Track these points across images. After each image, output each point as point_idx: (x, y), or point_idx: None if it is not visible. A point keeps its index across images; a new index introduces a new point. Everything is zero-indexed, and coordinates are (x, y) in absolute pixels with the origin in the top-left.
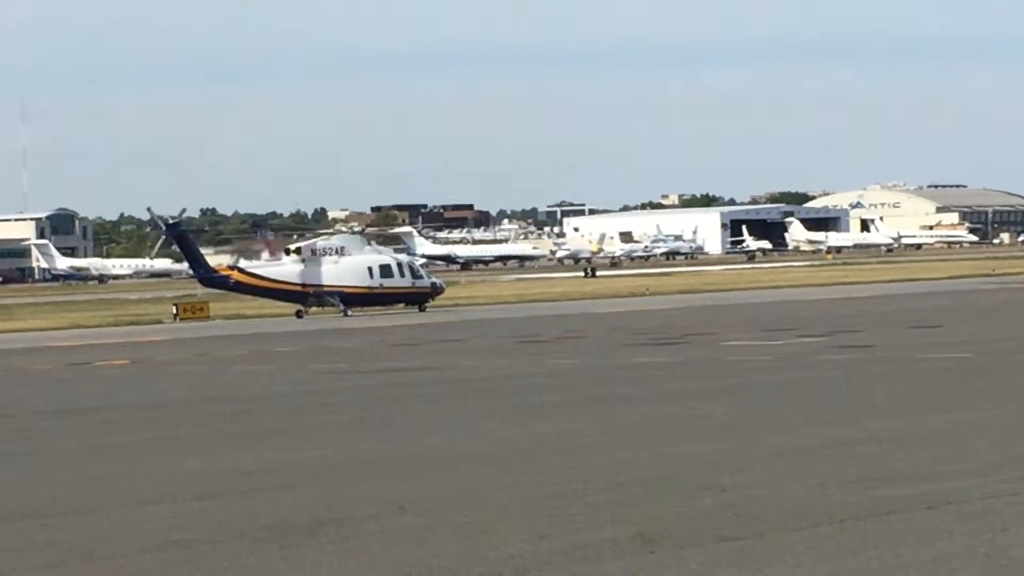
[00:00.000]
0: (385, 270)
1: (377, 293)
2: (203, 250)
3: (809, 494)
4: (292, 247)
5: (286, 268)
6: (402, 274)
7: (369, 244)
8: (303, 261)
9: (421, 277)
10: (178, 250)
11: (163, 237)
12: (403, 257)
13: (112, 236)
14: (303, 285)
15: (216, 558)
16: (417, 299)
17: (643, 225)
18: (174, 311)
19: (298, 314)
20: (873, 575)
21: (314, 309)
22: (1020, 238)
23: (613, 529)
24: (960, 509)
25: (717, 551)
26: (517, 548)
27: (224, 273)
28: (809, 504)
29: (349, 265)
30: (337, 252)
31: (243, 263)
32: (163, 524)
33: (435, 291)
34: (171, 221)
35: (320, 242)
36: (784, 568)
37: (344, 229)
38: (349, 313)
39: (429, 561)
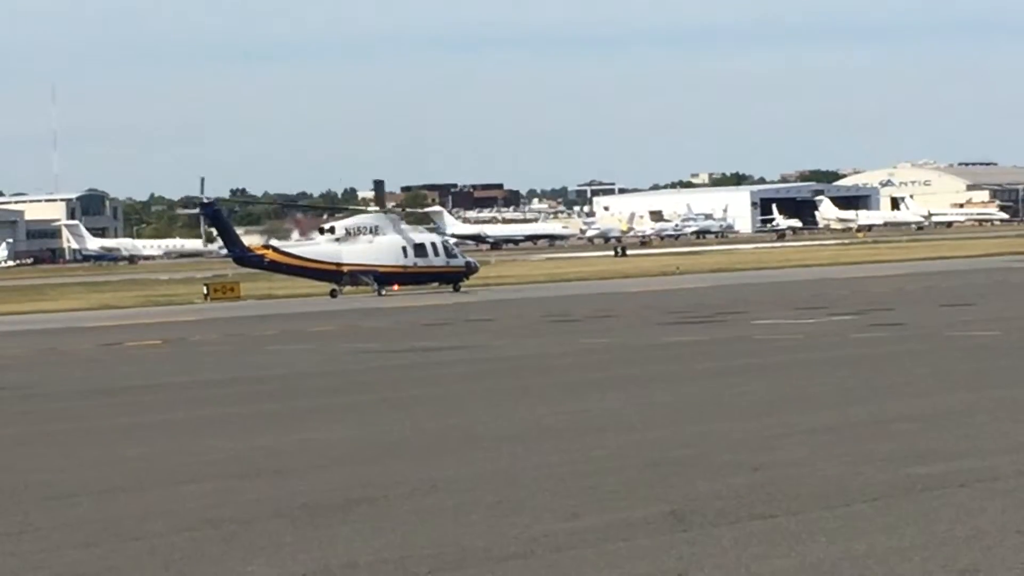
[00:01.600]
0: (419, 249)
1: (411, 272)
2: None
3: (842, 472)
4: (326, 226)
5: (320, 248)
6: (436, 253)
7: (403, 223)
8: (337, 240)
9: (455, 256)
10: (210, 229)
11: (201, 215)
12: (436, 237)
13: (142, 216)
14: (337, 264)
15: (250, 537)
16: (451, 278)
17: (673, 204)
18: (205, 291)
19: (332, 293)
20: (906, 553)
21: (348, 288)
22: None
23: (646, 507)
24: (992, 487)
25: (750, 529)
26: (550, 526)
27: (259, 252)
28: (842, 482)
29: (383, 244)
30: (371, 231)
31: (276, 242)
32: (196, 503)
33: (469, 270)
34: (205, 200)
35: (354, 221)
36: (818, 546)
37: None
38: (383, 292)
39: (462, 540)
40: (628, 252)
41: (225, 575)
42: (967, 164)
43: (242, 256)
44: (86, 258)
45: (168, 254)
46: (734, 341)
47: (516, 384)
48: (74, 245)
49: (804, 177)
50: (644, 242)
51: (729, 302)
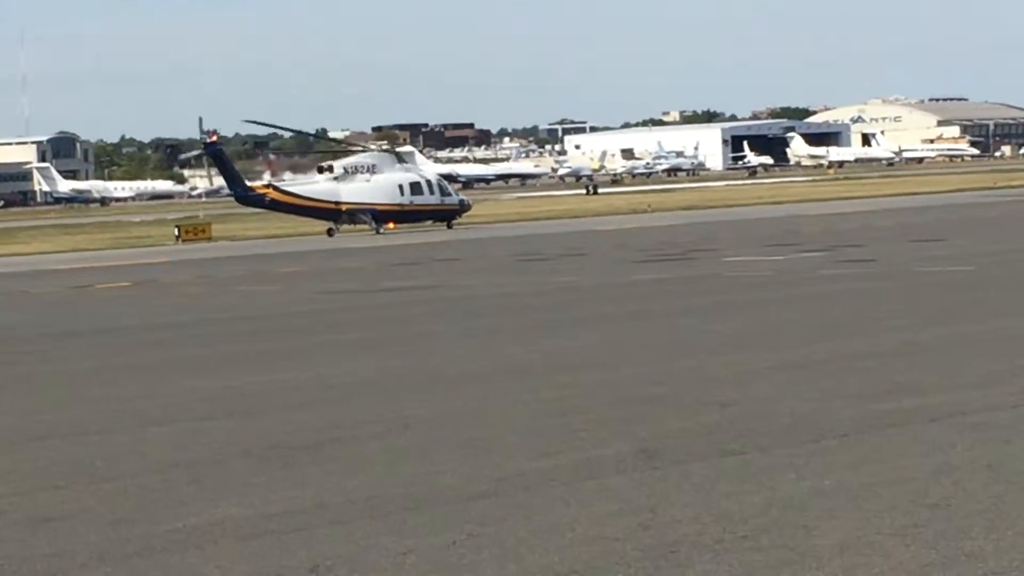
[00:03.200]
0: (415, 187)
1: (408, 210)
2: (204, 171)
3: (811, 408)
4: (324, 165)
5: (320, 186)
6: (431, 191)
7: (400, 162)
8: (336, 179)
9: (449, 194)
10: (180, 171)
11: (204, 155)
12: (431, 174)
13: (113, 159)
14: (336, 203)
15: (220, 478)
16: (446, 216)
17: (644, 142)
18: (176, 233)
19: (329, 232)
20: (876, 488)
21: (345, 227)
22: (1021, 151)
23: (616, 445)
24: (962, 421)
25: (720, 465)
26: (520, 465)
27: (261, 191)
28: (811, 418)
29: (380, 183)
30: (369, 170)
31: (277, 181)
32: (167, 445)
33: (462, 208)
34: (207, 140)
35: (352, 160)
36: (787, 481)
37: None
38: (381, 231)
39: (433, 479)
40: (599, 190)
41: (195, 516)
42: (937, 100)
43: (244, 195)
44: (57, 200)
45: (139, 196)
46: (705, 278)
47: (487, 323)
48: (45, 188)
49: (775, 114)
50: (615, 180)
51: (700, 239)
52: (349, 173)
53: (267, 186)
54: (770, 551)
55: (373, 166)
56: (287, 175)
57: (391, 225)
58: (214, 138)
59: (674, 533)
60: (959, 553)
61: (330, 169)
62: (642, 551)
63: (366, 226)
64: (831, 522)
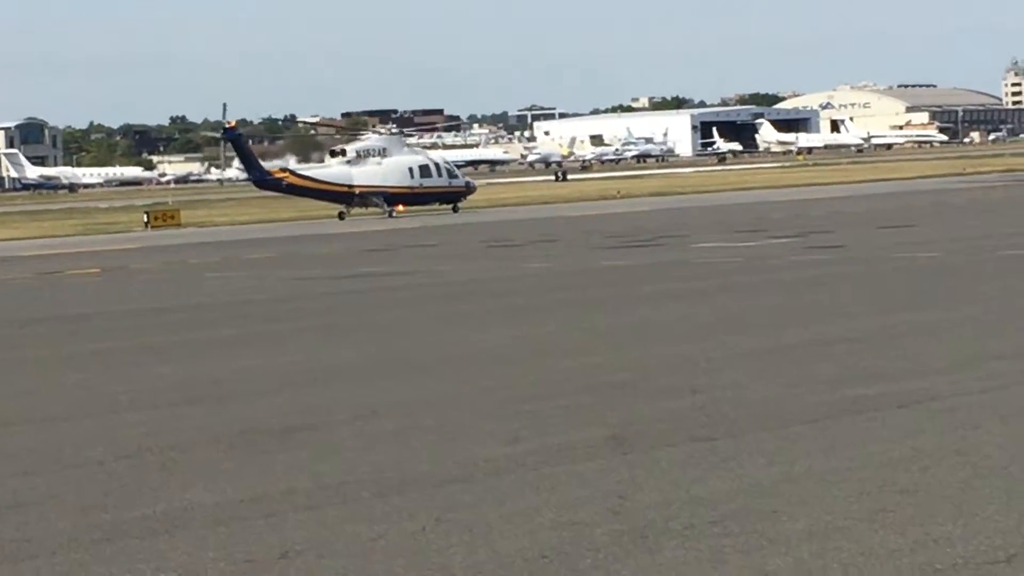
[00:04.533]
0: (424, 170)
1: (418, 193)
2: (173, 157)
3: (780, 394)
4: (337, 148)
5: (334, 170)
6: (439, 174)
7: (407, 145)
8: (348, 163)
9: (456, 176)
10: (149, 157)
11: (223, 141)
12: (438, 157)
13: (82, 145)
14: (349, 186)
15: (189, 464)
16: (452, 198)
17: (614, 128)
18: (145, 219)
19: (340, 216)
20: (845, 474)
21: (356, 210)
22: (990, 137)
23: (586, 431)
24: (931, 407)
25: (689, 451)
26: (490, 451)
27: (278, 176)
28: (780, 404)
29: (392, 166)
30: (380, 153)
31: (294, 166)
32: (136, 431)
33: (468, 190)
34: (227, 126)
35: (364, 144)
36: (757, 467)
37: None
38: (392, 214)
39: (403, 465)
40: (569, 177)
41: (164, 502)
42: (906, 86)
43: (262, 180)
44: (25, 187)
45: (108, 182)
46: (674, 265)
47: (457, 309)
48: (13, 174)
49: (744, 100)
50: (585, 167)
51: (669, 226)
52: (361, 157)
53: (284, 170)
54: (739, 536)
55: (384, 149)
56: (293, 160)
57: (400, 208)
58: (233, 124)
59: (644, 518)
60: (928, 538)
61: (343, 153)
62: (612, 536)
63: (378, 209)
64: (800, 507)
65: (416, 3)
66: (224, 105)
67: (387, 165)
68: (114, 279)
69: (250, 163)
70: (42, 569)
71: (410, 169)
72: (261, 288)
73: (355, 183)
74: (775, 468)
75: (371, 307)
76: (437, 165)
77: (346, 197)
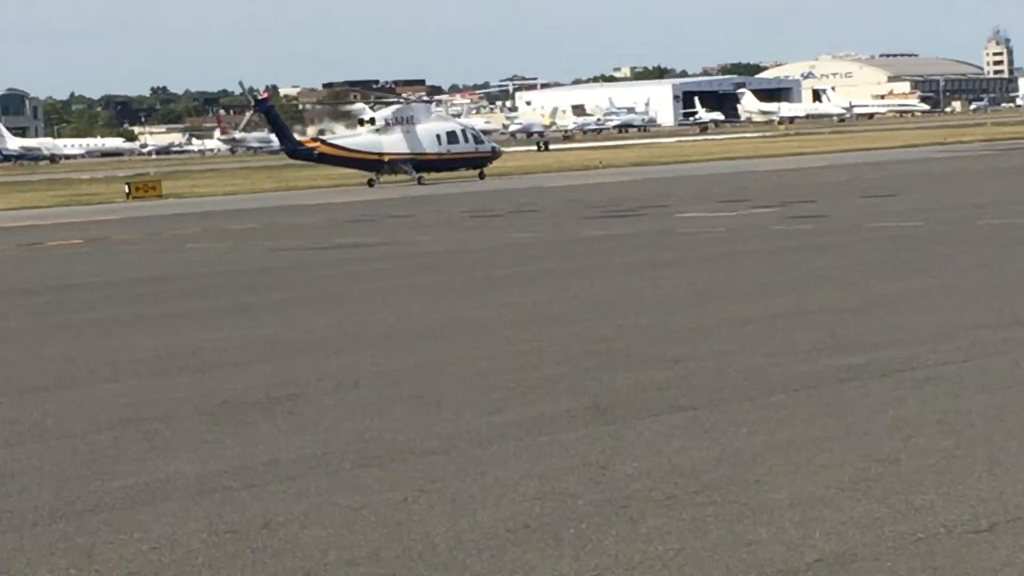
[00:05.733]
0: (451, 136)
1: (446, 159)
2: (154, 128)
3: (762, 364)
4: (366, 117)
5: (363, 138)
6: (466, 139)
7: (434, 112)
8: (378, 131)
9: (482, 142)
10: (131, 128)
11: (249, 112)
12: (465, 123)
13: (63, 116)
14: (379, 154)
15: (171, 435)
16: (479, 163)
17: (595, 98)
18: (126, 190)
19: (370, 183)
20: (827, 443)
21: (385, 178)
22: (971, 107)
23: (568, 401)
24: (912, 376)
25: (672, 421)
26: (472, 422)
27: (310, 145)
28: (763, 373)
29: (420, 133)
30: (408, 121)
31: (325, 135)
32: (117, 402)
33: (494, 155)
34: (259, 97)
35: (393, 112)
36: (739, 437)
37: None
38: (422, 181)
39: (384, 435)
40: (551, 147)
41: (147, 473)
42: (888, 56)
43: (294, 150)
44: (6, 158)
45: (90, 153)
46: (656, 235)
47: (438, 280)
48: None
49: (726, 70)
50: (567, 137)
51: (651, 196)
52: (390, 124)
53: (315, 140)
54: (722, 506)
55: (412, 117)
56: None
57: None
58: (265, 95)
59: (626, 488)
60: (910, 507)
61: (372, 121)
62: (594, 506)
63: (407, 176)
64: (783, 477)
65: None
66: (240, 83)
67: (416, 132)
68: (96, 250)
69: (283, 133)
70: (24, 540)
71: (438, 136)
72: (242, 259)
73: (385, 151)
74: (757, 438)
75: (352, 278)
76: (464, 131)
77: (376, 165)
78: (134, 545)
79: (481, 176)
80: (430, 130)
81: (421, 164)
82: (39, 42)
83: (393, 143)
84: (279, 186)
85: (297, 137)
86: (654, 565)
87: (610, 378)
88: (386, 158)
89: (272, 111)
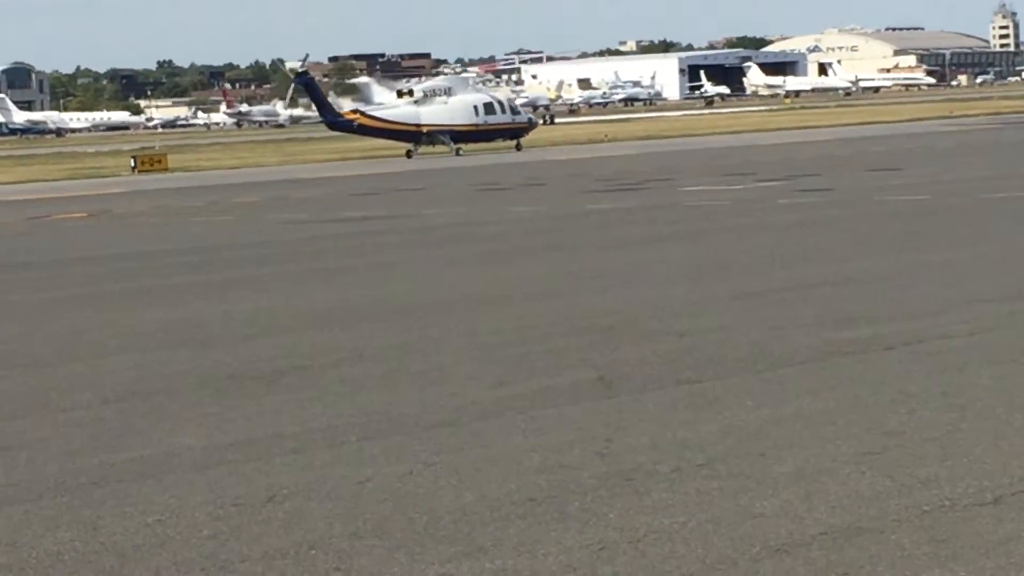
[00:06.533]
0: (488, 108)
1: (483, 130)
2: (160, 102)
3: (767, 337)
4: (404, 89)
5: (401, 110)
6: (503, 111)
7: (471, 84)
8: (415, 103)
9: (519, 113)
10: (136, 101)
11: (293, 85)
12: (501, 95)
13: (69, 89)
14: (417, 125)
15: (177, 408)
16: (516, 134)
17: (601, 72)
18: (132, 164)
19: (408, 154)
20: (832, 416)
21: (423, 149)
22: (977, 80)
23: (573, 374)
24: (917, 349)
25: (676, 394)
26: (476, 395)
27: (349, 117)
28: (768, 347)
29: (457, 105)
30: (445, 92)
31: (364, 107)
32: (123, 375)
33: (531, 126)
34: (300, 70)
35: (430, 83)
36: (744, 410)
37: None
38: (459, 152)
39: (389, 409)
40: (556, 120)
41: (152, 446)
42: (894, 29)
43: (334, 121)
44: (12, 132)
45: (95, 127)
46: (662, 208)
47: (444, 253)
48: (0, 119)
49: (732, 44)
50: (572, 110)
51: (657, 169)
52: (428, 96)
53: (355, 112)
54: (727, 479)
55: (449, 89)
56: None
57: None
58: (306, 69)
59: (631, 461)
60: (914, 480)
61: (410, 93)
62: (599, 479)
63: (445, 147)
64: (788, 450)
65: None
66: (306, 55)
67: (453, 104)
68: (101, 223)
69: (323, 105)
70: (30, 513)
71: (475, 107)
72: (248, 232)
73: (423, 122)
74: (762, 411)
75: (357, 251)
76: (500, 103)
77: (414, 136)
78: (139, 517)
79: (518, 147)
80: (467, 102)
81: (458, 135)
82: (45, 15)
83: (431, 115)
84: (284, 160)
85: (337, 109)
86: (659, 538)
87: (615, 351)
88: (424, 129)
89: (312, 83)
